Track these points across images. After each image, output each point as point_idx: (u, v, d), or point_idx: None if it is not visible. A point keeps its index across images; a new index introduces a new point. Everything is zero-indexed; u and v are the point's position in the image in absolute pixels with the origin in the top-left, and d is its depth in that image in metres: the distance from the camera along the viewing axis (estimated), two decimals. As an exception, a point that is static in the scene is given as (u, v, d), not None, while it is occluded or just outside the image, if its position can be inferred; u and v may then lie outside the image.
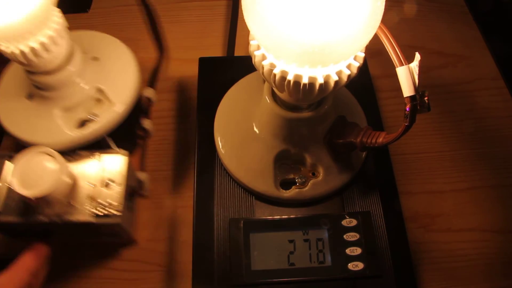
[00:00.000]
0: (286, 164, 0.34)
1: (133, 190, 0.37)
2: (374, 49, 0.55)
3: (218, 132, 0.36)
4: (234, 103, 0.37)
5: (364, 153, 0.35)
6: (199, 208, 0.34)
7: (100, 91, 0.37)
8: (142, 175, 0.39)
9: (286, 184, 0.34)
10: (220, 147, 0.35)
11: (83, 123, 0.37)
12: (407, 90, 0.24)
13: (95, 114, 0.36)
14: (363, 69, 0.40)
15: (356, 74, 0.26)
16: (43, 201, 0.31)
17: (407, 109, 0.24)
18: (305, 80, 0.25)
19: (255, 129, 0.34)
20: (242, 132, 0.35)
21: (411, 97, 0.24)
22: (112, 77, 0.38)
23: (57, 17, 0.32)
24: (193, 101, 0.44)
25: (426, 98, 0.24)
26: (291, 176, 0.34)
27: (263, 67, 0.25)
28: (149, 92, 0.43)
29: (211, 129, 0.37)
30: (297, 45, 0.22)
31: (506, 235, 0.41)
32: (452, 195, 0.43)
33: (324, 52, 0.23)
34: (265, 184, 0.33)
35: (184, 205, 0.42)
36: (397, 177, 0.44)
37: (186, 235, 0.39)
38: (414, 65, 0.24)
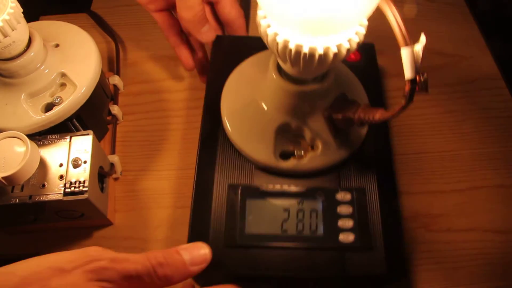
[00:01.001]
0: (287, 137, 0.35)
1: (104, 172, 0.39)
2: (376, 49, 0.55)
3: (224, 103, 0.37)
4: (241, 78, 0.38)
5: (364, 132, 0.36)
6: (200, 173, 0.35)
7: (63, 75, 0.39)
8: (114, 158, 0.42)
9: (285, 156, 0.35)
10: (225, 117, 0.37)
11: (49, 107, 0.38)
12: (409, 72, 0.25)
13: (60, 97, 0.38)
14: (370, 54, 0.41)
15: (356, 49, 0.27)
16: (13, 182, 0.32)
17: (406, 90, 0.26)
18: (305, 50, 0.26)
19: (259, 101, 0.36)
20: (246, 104, 0.36)
21: (411, 80, 0.25)
22: (74, 61, 0.40)
23: (11, 2, 0.34)
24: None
25: (424, 80, 0.25)
26: (291, 148, 0.35)
27: (267, 36, 0.27)
28: (114, 80, 0.48)
29: (218, 101, 0.38)
30: (299, 9, 0.23)
31: (506, 235, 0.41)
32: (452, 195, 0.43)
33: (325, 18, 0.24)
34: (265, 154, 0.34)
35: (184, 205, 0.42)
36: (398, 177, 0.44)
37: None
38: (419, 47, 0.25)
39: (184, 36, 0.47)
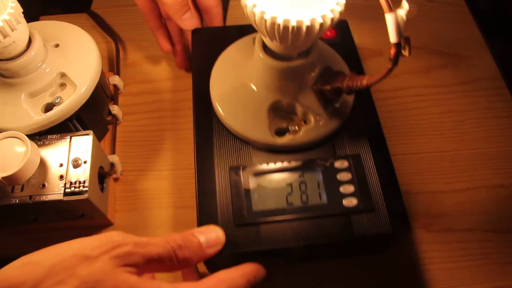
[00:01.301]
0: (279, 115, 0.37)
1: (104, 172, 0.39)
2: (374, 49, 0.55)
3: (213, 89, 0.38)
4: (227, 63, 0.39)
5: (351, 101, 0.37)
6: (200, 159, 0.36)
7: (63, 75, 0.39)
8: (114, 158, 0.42)
9: (280, 133, 0.36)
10: (216, 103, 0.37)
11: (49, 107, 0.38)
12: (394, 36, 0.26)
13: (60, 97, 0.38)
14: (345, 30, 0.43)
15: (338, 18, 0.28)
16: (13, 182, 0.32)
17: (392, 54, 0.27)
18: (293, 23, 0.27)
19: (248, 83, 0.37)
20: (236, 88, 0.37)
21: (396, 44, 0.27)
22: (74, 61, 0.40)
23: (11, 2, 0.34)
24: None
25: (408, 43, 0.27)
26: (285, 125, 0.36)
27: (254, 15, 0.28)
28: (114, 80, 0.48)
29: (206, 89, 0.39)
30: None
31: (506, 235, 0.41)
32: (452, 195, 0.43)
33: None
34: (260, 133, 0.35)
35: (184, 205, 0.42)
36: (398, 177, 0.44)
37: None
38: (402, 12, 0.26)
39: (163, 21, 0.48)
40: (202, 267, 0.37)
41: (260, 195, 0.34)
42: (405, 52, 0.27)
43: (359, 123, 0.37)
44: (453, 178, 0.44)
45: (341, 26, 0.44)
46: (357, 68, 0.40)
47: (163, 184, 0.43)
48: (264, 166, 0.35)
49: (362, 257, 0.40)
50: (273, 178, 0.35)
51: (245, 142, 0.36)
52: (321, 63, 0.36)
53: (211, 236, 0.30)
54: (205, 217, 0.33)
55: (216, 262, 0.34)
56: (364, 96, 0.38)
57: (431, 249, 0.40)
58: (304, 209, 0.33)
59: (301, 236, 0.32)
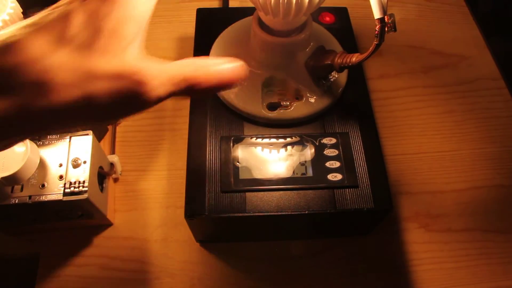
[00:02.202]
0: (273, 90, 0.38)
1: (104, 172, 0.40)
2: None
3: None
4: (226, 41, 0.41)
5: (344, 81, 0.38)
6: (193, 129, 0.37)
7: None
8: (114, 158, 0.42)
9: (273, 108, 0.37)
10: None
11: None
12: (377, 12, 0.28)
13: None
14: (344, 17, 0.45)
15: None
16: (13, 182, 0.32)
17: (377, 29, 0.28)
18: None
19: (245, 58, 0.37)
20: None
21: (380, 18, 0.28)
22: None
23: (11, 2, 0.34)
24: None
25: (392, 19, 0.28)
26: (277, 100, 0.37)
27: None
28: None
29: None
30: None
31: (506, 235, 0.41)
32: (452, 195, 0.43)
33: None
34: (253, 106, 0.37)
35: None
36: (397, 177, 0.44)
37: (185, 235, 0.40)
38: None
39: None
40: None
41: (248, 164, 0.35)
42: (390, 29, 0.28)
43: (350, 103, 0.38)
44: (453, 178, 0.44)
45: (340, 13, 0.45)
46: (352, 51, 0.41)
47: (163, 184, 0.43)
48: (254, 138, 0.36)
49: (360, 256, 0.40)
50: (262, 149, 0.36)
51: (238, 114, 0.37)
52: (315, 42, 0.37)
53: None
54: (193, 182, 0.34)
55: (200, 226, 0.35)
56: (357, 77, 0.40)
57: (431, 249, 0.40)
58: (289, 180, 0.34)
59: (284, 205, 0.33)
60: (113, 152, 0.45)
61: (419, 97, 0.50)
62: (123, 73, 0.20)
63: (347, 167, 0.35)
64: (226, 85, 0.25)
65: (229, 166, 0.35)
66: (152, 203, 0.43)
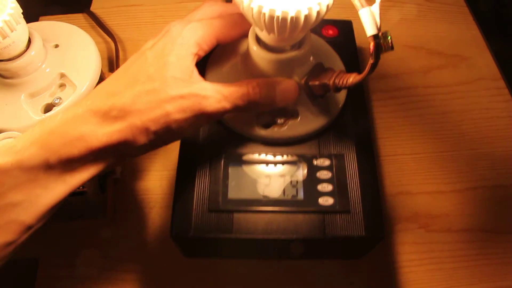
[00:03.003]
0: None
1: (104, 172, 0.39)
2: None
3: (208, 75, 0.38)
4: (224, 53, 0.40)
5: (342, 100, 0.37)
6: (184, 143, 0.36)
7: (63, 76, 0.40)
8: None
9: (267, 125, 0.36)
10: None
11: (49, 107, 0.38)
12: (370, 29, 0.26)
13: (60, 98, 0.38)
14: (348, 30, 0.43)
15: (326, 12, 0.28)
16: None
17: (371, 47, 0.27)
18: (278, 13, 0.27)
19: (241, 74, 0.37)
20: (229, 75, 0.37)
21: (374, 35, 0.26)
22: (74, 62, 0.40)
23: (11, 2, 0.34)
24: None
25: (389, 38, 0.27)
26: (271, 117, 0.36)
27: (242, 2, 0.28)
28: None
29: (202, 74, 0.38)
30: None
31: (506, 235, 0.41)
32: (452, 195, 0.43)
33: None
34: (246, 123, 0.36)
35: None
36: (397, 177, 0.44)
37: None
38: (375, 7, 0.26)
39: None
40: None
41: (237, 183, 0.34)
42: (386, 47, 0.27)
43: (347, 123, 0.37)
44: (453, 178, 0.44)
45: (345, 26, 0.43)
46: (354, 68, 0.39)
47: (163, 184, 0.43)
48: (246, 156, 0.35)
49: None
50: (253, 168, 0.35)
51: (230, 130, 0.36)
52: (313, 58, 0.36)
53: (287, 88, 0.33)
54: (181, 199, 0.33)
55: (186, 245, 0.35)
56: (357, 96, 0.38)
57: (431, 249, 0.40)
58: (279, 202, 0.33)
59: (272, 229, 0.32)
60: None
61: (419, 97, 0.50)
62: (187, 94, 0.28)
63: (340, 191, 0.33)
64: (282, 103, 0.33)
65: (219, 184, 0.34)
66: (152, 203, 0.43)
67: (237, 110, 0.30)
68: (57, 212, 0.36)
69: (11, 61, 0.36)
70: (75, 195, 0.34)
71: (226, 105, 0.29)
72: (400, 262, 0.40)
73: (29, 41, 0.37)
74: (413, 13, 0.56)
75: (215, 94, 0.29)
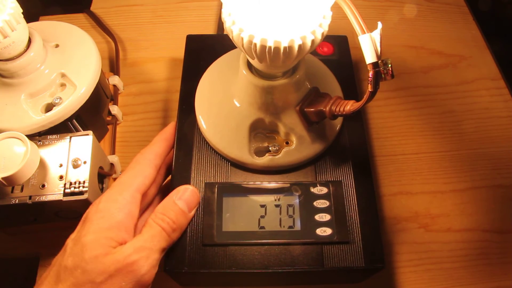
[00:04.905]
0: (261, 133, 0.36)
1: (104, 172, 0.40)
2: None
3: (198, 101, 0.38)
4: (214, 76, 0.39)
5: (339, 125, 0.36)
6: (176, 172, 0.35)
7: (63, 75, 0.40)
8: (114, 158, 0.42)
9: (261, 152, 0.35)
10: (200, 115, 0.37)
11: (49, 107, 0.38)
12: (369, 57, 0.25)
13: (60, 98, 0.38)
14: (343, 46, 0.42)
15: (321, 40, 0.27)
16: (13, 182, 0.32)
17: (371, 75, 0.25)
18: (270, 44, 0.26)
19: (232, 99, 0.36)
20: (220, 102, 0.36)
21: (373, 63, 0.25)
22: (74, 62, 0.40)
23: (11, 2, 0.34)
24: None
25: (390, 65, 0.25)
26: (265, 144, 0.35)
27: (232, 32, 0.27)
28: (114, 80, 0.48)
29: (192, 99, 0.38)
30: None
31: (506, 235, 0.41)
32: (452, 195, 0.43)
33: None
34: (240, 151, 0.34)
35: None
36: (397, 177, 0.44)
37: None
38: (376, 33, 0.25)
39: None
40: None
41: (232, 215, 0.33)
42: (386, 75, 0.25)
43: (344, 147, 0.36)
44: (453, 178, 0.44)
45: (340, 42, 0.42)
46: (350, 88, 0.39)
47: (163, 184, 0.43)
48: (240, 186, 0.34)
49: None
50: (248, 198, 0.33)
51: (224, 158, 0.35)
52: (308, 83, 0.35)
53: (188, 198, 0.32)
54: None
55: (180, 278, 0.34)
56: (354, 121, 0.37)
57: (431, 249, 0.40)
58: (275, 234, 0.32)
59: (269, 262, 0.31)
60: (113, 152, 0.45)
61: (419, 97, 0.50)
62: (119, 268, 0.26)
63: (338, 220, 0.32)
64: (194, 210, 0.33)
65: (213, 217, 0.33)
66: (152, 203, 0.42)
67: (165, 249, 0.30)
68: (58, 212, 0.36)
69: (11, 61, 0.36)
70: (75, 195, 0.34)
71: (155, 256, 0.28)
72: (400, 262, 0.40)
73: (29, 41, 0.37)
74: (413, 13, 0.56)
75: (140, 253, 0.27)
